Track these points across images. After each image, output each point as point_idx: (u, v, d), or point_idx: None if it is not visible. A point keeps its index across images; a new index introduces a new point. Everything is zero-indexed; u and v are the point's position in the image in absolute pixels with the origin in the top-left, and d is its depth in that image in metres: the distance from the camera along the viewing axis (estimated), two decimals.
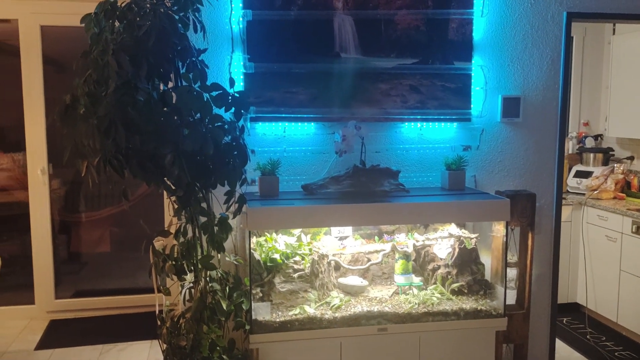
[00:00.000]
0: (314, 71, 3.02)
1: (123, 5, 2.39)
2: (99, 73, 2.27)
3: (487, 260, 3.07)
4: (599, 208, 4.29)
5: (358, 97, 3.08)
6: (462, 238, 3.02)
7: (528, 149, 3.32)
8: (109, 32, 2.34)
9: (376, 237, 3.09)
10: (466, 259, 3.01)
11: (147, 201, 4.59)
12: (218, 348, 2.60)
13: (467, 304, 2.92)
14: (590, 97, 5.16)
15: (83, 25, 2.43)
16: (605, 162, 4.75)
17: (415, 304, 2.87)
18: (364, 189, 2.86)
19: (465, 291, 2.97)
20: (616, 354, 3.90)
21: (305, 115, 3.05)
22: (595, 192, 4.48)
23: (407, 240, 3.04)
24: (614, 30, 4.83)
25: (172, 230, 2.63)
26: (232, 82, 2.64)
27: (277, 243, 2.90)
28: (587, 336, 4.16)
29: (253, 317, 2.71)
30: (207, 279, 2.60)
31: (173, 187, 2.46)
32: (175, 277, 2.59)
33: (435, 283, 3.03)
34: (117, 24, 2.38)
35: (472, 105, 3.21)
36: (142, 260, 4.20)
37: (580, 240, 4.47)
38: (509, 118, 3.26)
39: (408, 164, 3.21)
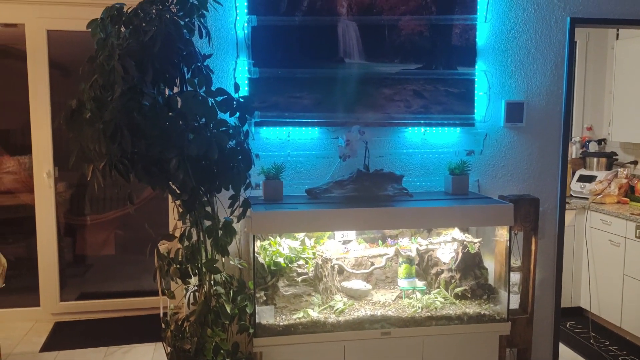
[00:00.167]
0: (318, 76, 3.04)
1: (129, 10, 2.41)
2: (105, 78, 2.28)
3: (491, 264, 3.07)
4: (603, 212, 4.29)
5: (362, 102, 3.09)
6: (465, 242, 3.03)
7: (531, 154, 3.33)
8: (115, 38, 2.36)
9: (380, 241, 3.10)
10: (469, 264, 3.02)
11: (152, 204, 4.61)
12: (222, 351, 2.61)
13: (471, 308, 2.92)
14: (593, 101, 5.17)
15: (89, 30, 2.45)
16: (608, 167, 4.75)
17: (419, 308, 2.88)
18: (368, 193, 2.87)
19: (469, 295, 2.98)
20: (620, 358, 3.90)
21: (309, 120, 3.07)
22: (599, 196, 4.48)
23: (410, 245, 3.05)
24: (617, 35, 4.83)
25: (177, 233, 2.65)
26: (236, 87, 2.66)
27: (281, 247, 2.91)
28: (591, 340, 4.16)
29: (257, 321, 2.72)
30: (212, 282, 2.61)
31: (178, 191, 2.47)
32: (179, 281, 2.60)
33: (438, 287, 3.04)
34: (123, 29, 2.40)
35: (475, 110, 3.22)
36: (146, 264, 4.21)
37: (584, 244, 4.47)
38: (513, 123, 3.26)
39: (411, 168, 3.22)
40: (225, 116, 2.53)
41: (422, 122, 3.17)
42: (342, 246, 3.05)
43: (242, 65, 3.00)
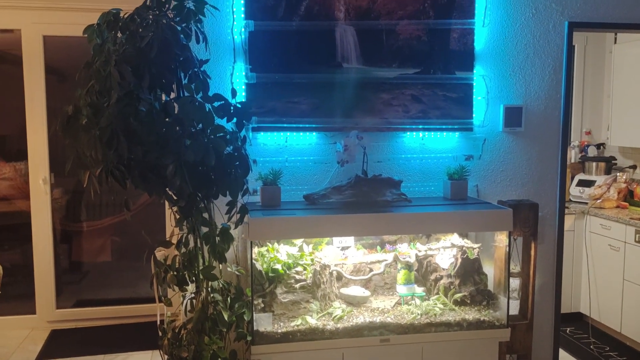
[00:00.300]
0: (315, 81, 3.03)
1: (125, 16, 2.40)
2: (102, 84, 2.27)
3: (490, 270, 3.06)
4: (602, 217, 4.28)
5: (360, 106, 3.08)
6: (464, 248, 3.01)
7: (530, 159, 3.32)
8: (111, 43, 2.34)
9: (378, 247, 3.09)
10: (469, 269, 3.00)
11: (149, 210, 4.59)
12: (219, 359, 2.58)
13: (470, 314, 2.90)
14: (592, 105, 5.17)
15: (86, 35, 2.44)
16: (607, 171, 4.75)
17: (418, 314, 2.86)
18: (366, 198, 2.85)
19: (468, 301, 2.96)
20: None
21: (307, 125, 3.05)
22: (598, 201, 4.47)
23: (409, 250, 3.03)
24: (615, 39, 4.83)
25: (174, 240, 2.63)
26: (234, 93, 2.65)
27: (278, 253, 2.89)
28: (591, 346, 4.14)
29: (255, 328, 2.69)
30: (209, 289, 2.59)
31: (175, 198, 2.46)
32: (176, 288, 2.58)
33: (437, 293, 3.02)
34: (119, 35, 2.39)
35: (474, 115, 3.21)
36: (143, 270, 4.20)
37: (583, 249, 4.45)
38: (511, 127, 3.25)
39: (410, 173, 3.21)
40: (223, 122, 2.51)
41: (420, 127, 3.16)
42: (340, 252, 3.03)
43: (240, 71, 2.99)
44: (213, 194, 2.52)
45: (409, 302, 2.96)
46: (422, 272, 3.13)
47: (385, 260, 3.02)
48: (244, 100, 2.96)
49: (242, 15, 2.96)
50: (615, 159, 4.83)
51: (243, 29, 2.96)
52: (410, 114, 3.13)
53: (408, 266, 2.97)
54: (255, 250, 2.84)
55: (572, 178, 4.81)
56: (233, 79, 2.99)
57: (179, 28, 2.44)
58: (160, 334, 2.73)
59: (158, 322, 2.86)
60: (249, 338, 2.70)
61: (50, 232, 4.36)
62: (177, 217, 2.57)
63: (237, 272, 2.84)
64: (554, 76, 3.28)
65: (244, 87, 2.99)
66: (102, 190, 2.31)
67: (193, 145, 2.35)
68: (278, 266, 2.83)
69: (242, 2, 2.96)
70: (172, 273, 2.56)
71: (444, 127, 3.18)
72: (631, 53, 4.50)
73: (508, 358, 3.14)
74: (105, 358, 3.87)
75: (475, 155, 3.26)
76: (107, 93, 2.25)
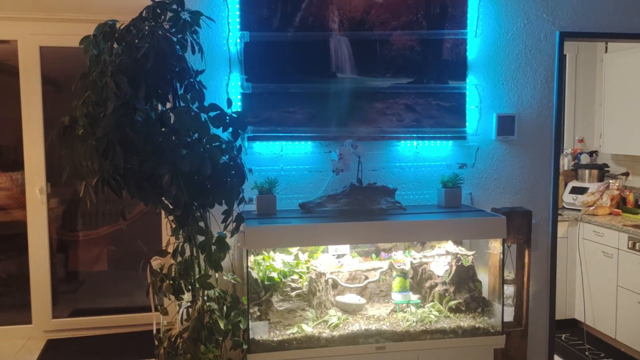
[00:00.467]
0: (310, 91, 3.06)
1: (122, 27, 2.42)
2: (98, 94, 2.29)
3: (484, 277, 3.08)
4: (595, 224, 4.31)
5: (354, 116, 3.11)
6: (459, 255, 3.03)
7: (523, 166, 3.35)
8: (107, 54, 2.36)
9: (373, 255, 3.10)
10: (463, 277, 3.02)
11: (145, 219, 4.59)
12: None
13: (465, 321, 2.92)
14: (584, 114, 5.21)
15: (82, 46, 2.46)
16: (600, 178, 4.79)
17: (413, 322, 2.87)
18: (361, 207, 2.87)
19: (463, 309, 2.97)
20: None
21: (302, 134, 3.08)
22: (591, 208, 4.50)
23: (404, 258, 3.05)
24: (606, 48, 4.89)
25: (170, 249, 2.64)
26: (229, 103, 2.67)
27: (274, 261, 2.90)
28: (586, 352, 4.16)
29: (251, 337, 2.70)
30: (205, 298, 2.60)
31: (171, 207, 2.47)
32: (172, 297, 2.59)
33: (432, 301, 3.04)
34: (115, 45, 2.41)
35: (467, 124, 3.24)
36: (139, 279, 4.19)
37: (577, 256, 4.48)
38: (504, 136, 3.29)
39: (404, 181, 3.23)
40: (219, 131, 2.53)
41: (414, 135, 3.18)
42: (335, 260, 3.05)
43: (235, 81, 3.01)
44: (209, 203, 2.53)
45: (405, 310, 2.97)
46: (417, 280, 3.15)
47: (381, 268, 3.04)
48: (239, 110, 2.98)
49: (238, 27, 2.99)
50: (608, 166, 4.87)
51: (238, 40, 2.99)
52: (404, 123, 3.16)
53: (403, 274, 2.99)
54: (251, 258, 2.85)
55: (565, 185, 4.84)
56: (229, 89, 3.01)
57: (174, 39, 2.46)
58: (156, 343, 2.73)
59: (154, 331, 2.87)
60: (245, 346, 2.70)
61: (46, 242, 4.37)
62: (173, 226, 2.58)
63: (233, 281, 2.85)
64: (545, 85, 3.32)
65: (239, 97, 3.01)
66: (99, 200, 2.33)
67: (189, 154, 2.36)
68: (274, 274, 2.84)
69: (238, 13, 2.99)
70: (168, 282, 2.57)
71: (437, 135, 3.21)
72: (622, 62, 4.55)
73: None
74: None
75: (468, 163, 3.29)
76: (104, 103, 2.27)
